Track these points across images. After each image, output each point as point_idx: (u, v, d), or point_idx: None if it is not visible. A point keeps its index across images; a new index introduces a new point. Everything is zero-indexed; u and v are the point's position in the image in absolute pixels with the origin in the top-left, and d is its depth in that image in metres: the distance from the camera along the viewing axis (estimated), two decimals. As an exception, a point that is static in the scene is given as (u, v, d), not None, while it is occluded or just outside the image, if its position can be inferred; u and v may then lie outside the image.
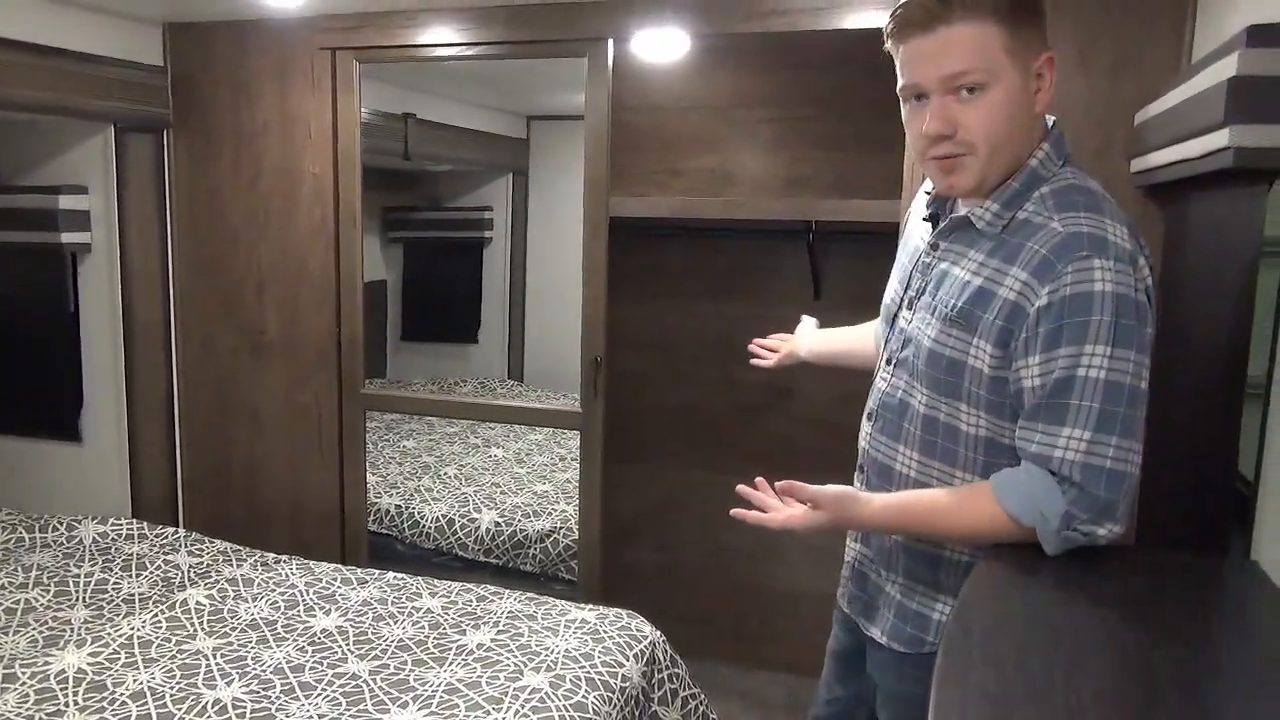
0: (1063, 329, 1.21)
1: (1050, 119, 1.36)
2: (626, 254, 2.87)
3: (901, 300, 1.47)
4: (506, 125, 3.75)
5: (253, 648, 2.17)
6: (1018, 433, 1.27)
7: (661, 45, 2.62)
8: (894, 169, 2.36)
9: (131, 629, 2.23)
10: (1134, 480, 1.23)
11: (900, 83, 1.32)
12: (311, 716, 1.89)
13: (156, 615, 2.31)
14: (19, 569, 2.52)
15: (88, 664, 2.07)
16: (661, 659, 2.23)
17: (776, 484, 1.41)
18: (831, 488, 1.38)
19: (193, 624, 2.28)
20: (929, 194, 1.47)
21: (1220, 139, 1.39)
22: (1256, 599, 1.27)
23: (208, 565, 2.62)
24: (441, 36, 2.67)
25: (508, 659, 2.10)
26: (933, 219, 1.44)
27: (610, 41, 2.54)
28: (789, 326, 2.05)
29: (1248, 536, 1.38)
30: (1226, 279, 1.64)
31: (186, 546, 2.71)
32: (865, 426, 1.52)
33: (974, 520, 1.29)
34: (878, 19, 1.76)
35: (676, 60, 2.95)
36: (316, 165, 2.84)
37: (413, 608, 2.37)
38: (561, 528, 3.09)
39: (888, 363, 1.47)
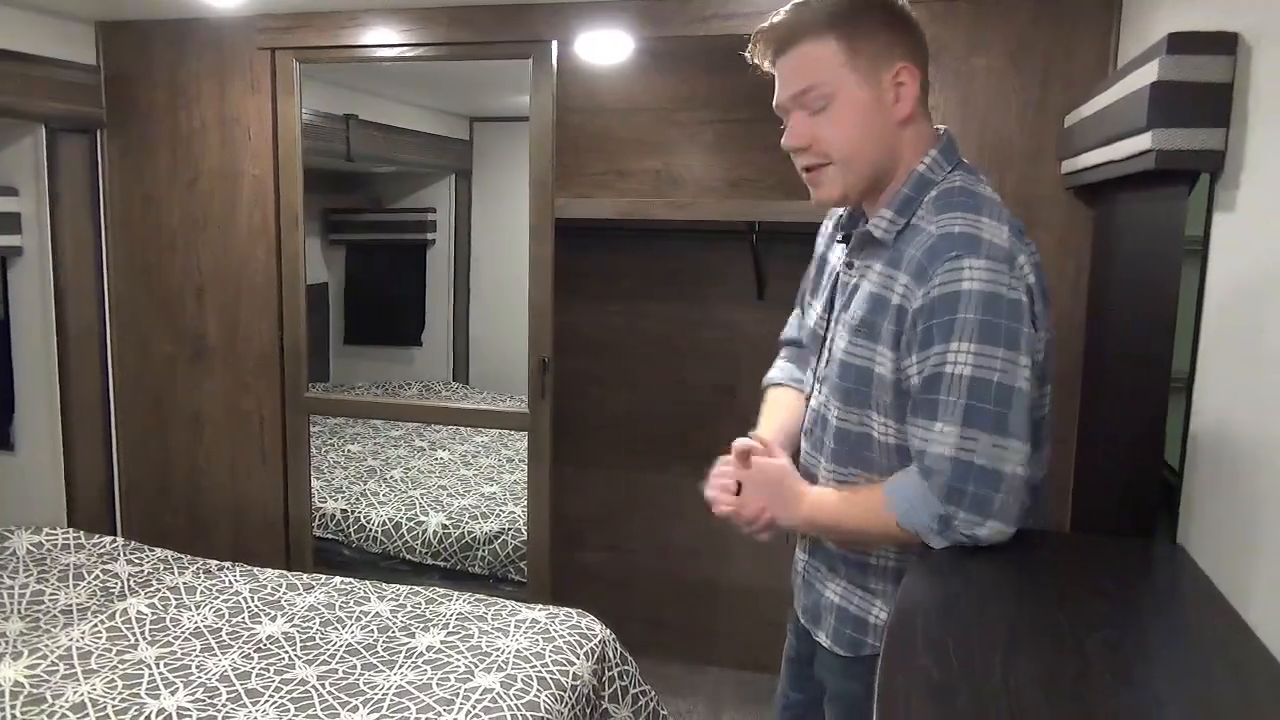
0: (933, 328, 1.24)
1: (941, 128, 1.39)
2: (572, 255, 2.88)
3: (827, 321, 1.51)
4: (450, 127, 3.74)
5: (197, 656, 2.13)
6: (907, 429, 1.31)
7: (605, 48, 2.64)
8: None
9: (70, 640, 2.18)
10: (1016, 479, 1.24)
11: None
12: (259, 724, 1.87)
13: (96, 625, 2.26)
14: (-51, 582, 2.44)
15: (25, 677, 2.02)
16: (612, 657, 2.24)
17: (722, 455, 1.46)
18: (773, 463, 1.43)
19: (134, 633, 2.23)
20: (842, 218, 1.51)
21: (1143, 142, 1.45)
22: (1183, 582, 1.33)
23: (148, 574, 2.57)
24: (383, 37, 2.65)
25: (458, 660, 2.10)
26: (845, 240, 1.48)
27: (554, 43, 2.54)
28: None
29: (1174, 522, 1.44)
30: (1151, 276, 1.70)
31: (125, 555, 2.66)
32: (802, 443, 1.56)
33: (875, 519, 1.33)
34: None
35: (620, 63, 2.97)
36: (256, 167, 2.81)
37: (360, 612, 2.35)
38: (510, 529, 3.08)
39: (818, 381, 1.51)
